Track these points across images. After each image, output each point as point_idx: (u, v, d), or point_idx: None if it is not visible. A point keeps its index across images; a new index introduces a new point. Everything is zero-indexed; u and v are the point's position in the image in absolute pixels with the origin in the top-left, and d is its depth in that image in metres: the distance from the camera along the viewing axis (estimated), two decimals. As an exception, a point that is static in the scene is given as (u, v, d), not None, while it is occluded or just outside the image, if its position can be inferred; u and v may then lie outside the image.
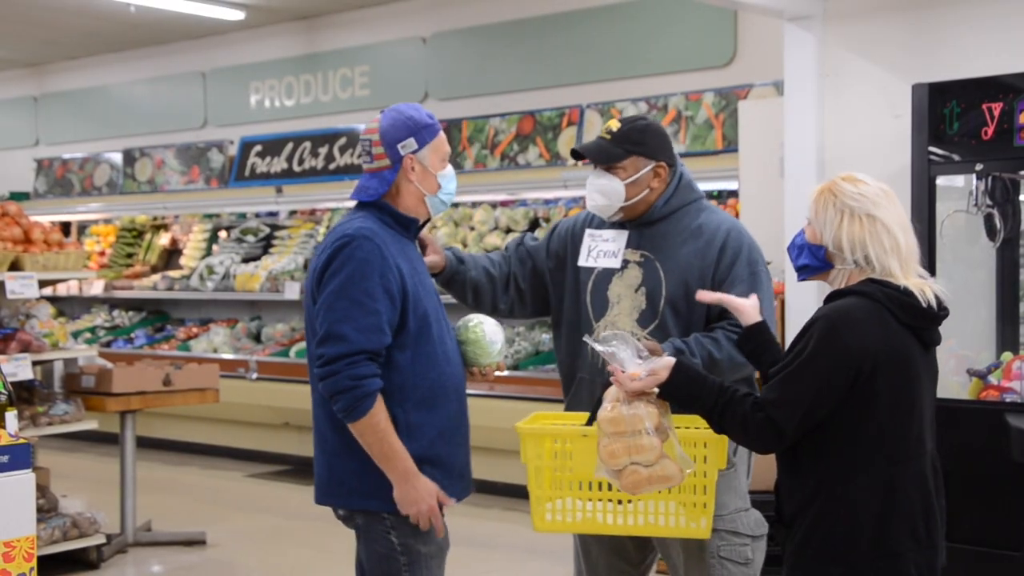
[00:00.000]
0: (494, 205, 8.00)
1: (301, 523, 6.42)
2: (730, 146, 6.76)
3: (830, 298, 2.43)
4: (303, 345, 8.14)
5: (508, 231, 7.84)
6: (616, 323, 3.04)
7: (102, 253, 10.29)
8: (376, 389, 2.70)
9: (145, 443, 7.93)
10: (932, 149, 4.35)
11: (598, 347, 2.56)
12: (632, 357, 2.51)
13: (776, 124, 5.41)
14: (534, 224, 7.77)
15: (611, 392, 2.54)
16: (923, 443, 2.40)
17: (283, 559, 5.86)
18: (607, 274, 3.09)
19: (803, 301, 4.92)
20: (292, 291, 8.24)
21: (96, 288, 9.70)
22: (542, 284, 3.25)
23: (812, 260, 2.45)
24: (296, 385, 7.70)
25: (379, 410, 2.70)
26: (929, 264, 4.31)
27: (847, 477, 2.34)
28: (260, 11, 9.23)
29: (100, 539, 5.57)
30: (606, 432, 2.50)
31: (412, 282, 2.79)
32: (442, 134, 2.88)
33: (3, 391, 3.07)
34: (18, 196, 10.94)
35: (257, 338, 8.90)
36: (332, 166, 8.95)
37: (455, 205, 8.11)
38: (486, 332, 2.95)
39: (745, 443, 2.46)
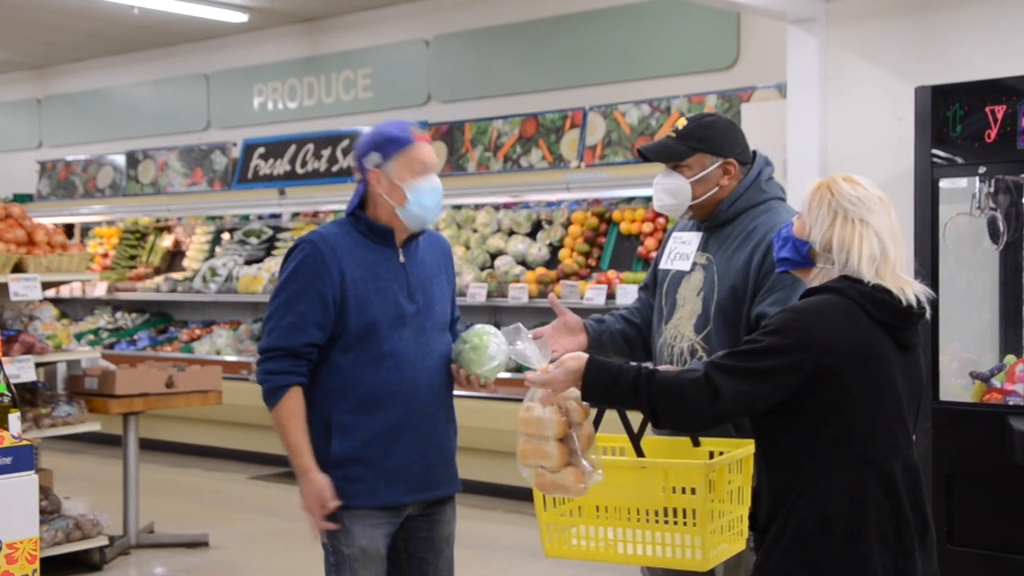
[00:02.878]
0: (497, 207, 8.00)
1: (303, 525, 6.36)
2: (733, 148, 6.75)
3: (804, 295, 2.38)
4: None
5: (511, 233, 7.84)
6: (679, 327, 3.00)
7: (105, 255, 10.30)
8: (285, 384, 2.86)
9: (148, 445, 7.93)
10: (935, 152, 4.34)
11: (504, 348, 2.53)
12: (538, 353, 2.48)
13: (779, 126, 5.41)
14: (536, 226, 7.77)
15: (532, 393, 2.50)
16: (896, 445, 2.33)
17: (285, 561, 5.86)
18: (678, 277, 3.05)
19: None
20: (295, 293, 8.24)
21: (99, 290, 9.71)
22: None
23: (794, 255, 2.41)
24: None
25: (287, 405, 2.86)
26: (932, 267, 4.31)
27: (816, 477, 2.29)
28: (263, 13, 9.24)
29: (103, 541, 5.57)
30: (520, 432, 2.49)
31: (363, 288, 2.89)
32: (418, 147, 2.92)
33: (6, 393, 3.07)
34: (22, 198, 10.96)
35: (260, 340, 8.89)
36: (335, 168, 8.96)
37: (457, 207, 8.12)
38: (489, 344, 2.98)
39: (676, 408, 2.30)
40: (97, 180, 10.85)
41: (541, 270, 7.33)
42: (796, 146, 5.21)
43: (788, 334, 2.26)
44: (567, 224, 7.58)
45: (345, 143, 8.94)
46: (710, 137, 2.99)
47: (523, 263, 7.60)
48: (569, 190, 7.26)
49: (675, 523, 2.50)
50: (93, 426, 5.61)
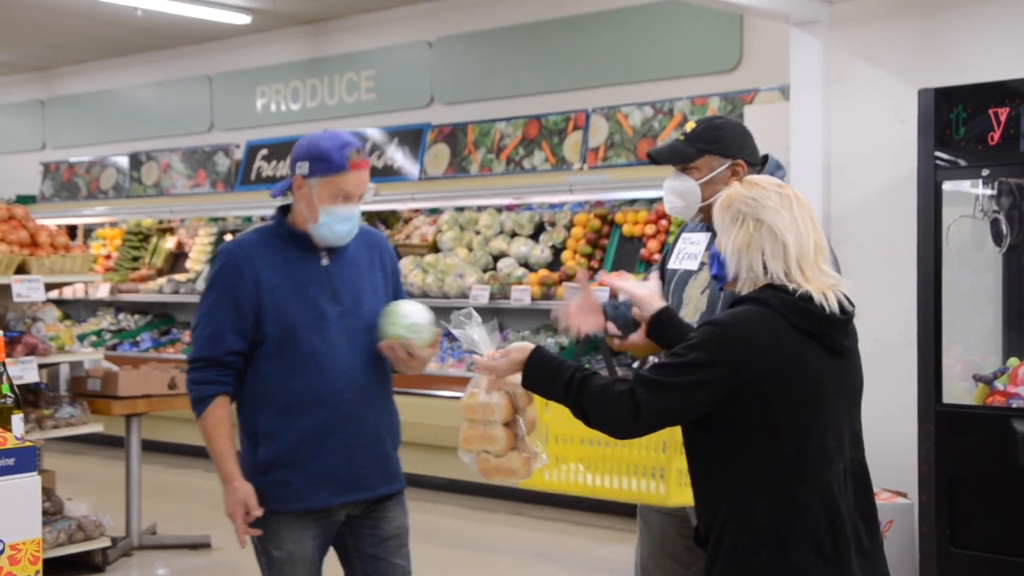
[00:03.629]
0: (499, 209, 8.00)
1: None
2: (736, 151, 6.75)
3: (730, 306, 2.36)
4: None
5: (513, 235, 7.84)
6: None
7: (108, 256, 10.30)
8: (210, 394, 2.94)
9: (150, 446, 7.93)
10: (938, 154, 4.34)
11: (453, 330, 2.56)
12: (485, 336, 2.52)
13: (782, 129, 5.40)
14: (539, 228, 7.77)
15: (476, 379, 2.54)
16: (826, 455, 2.29)
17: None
18: (686, 276, 3.08)
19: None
20: (298, 295, 8.24)
21: (102, 291, 9.72)
22: None
23: (719, 270, 2.40)
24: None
25: (212, 414, 2.95)
26: (935, 269, 4.31)
27: (746, 491, 2.27)
28: (266, 15, 9.25)
29: (105, 542, 5.57)
30: (464, 417, 2.53)
31: (281, 293, 2.94)
32: (346, 176, 2.93)
33: (10, 394, 3.07)
34: (25, 199, 10.96)
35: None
36: (338, 170, 8.95)
37: (460, 209, 8.12)
38: (400, 305, 3.03)
39: (602, 417, 2.32)
40: (100, 182, 10.86)
41: (544, 272, 7.33)
42: (799, 149, 5.21)
43: (709, 348, 2.25)
44: (570, 226, 7.58)
45: (348, 145, 8.93)
46: (718, 139, 3.02)
47: (526, 265, 7.60)
48: (572, 192, 7.26)
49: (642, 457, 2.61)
50: (96, 427, 5.61)
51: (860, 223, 5.07)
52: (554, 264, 7.51)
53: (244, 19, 9.22)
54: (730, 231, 2.35)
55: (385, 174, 8.55)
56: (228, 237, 9.60)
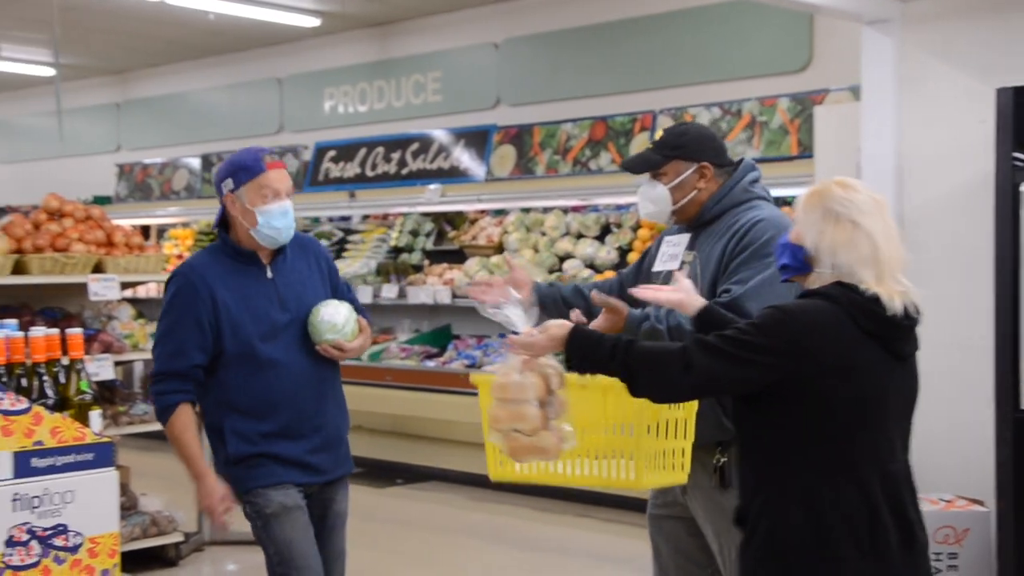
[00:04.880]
0: (565, 211, 7.99)
1: (373, 525, 6.47)
2: (805, 152, 6.67)
3: (799, 297, 2.39)
4: (376, 348, 8.22)
5: (579, 237, 7.82)
6: None
7: (180, 256, 10.47)
8: (174, 403, 3.18)
9: (220, 443, 8.05)
10: (1017, 155, 4.24)
11: (490, 311, 2.59)
12: (523, 316, 2.55)
13: (853, 129, 5.32)
14: (605, 230, 7.75)
15: (509, 361, 2.54)
16: (876, 453, 2.32)
17: (355, 561, 5.87)
18: (668, 276, 3.16)
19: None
20: (364, 295, 8.32)
21: (174, 291, 9.87)
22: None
23: (792, 260, 2.41)
24: (368, 388, 7.76)
25: (178, 420, 3.18)
26: (1013, 271, 4.21)
27: (796, 479, 2.31)
28: (335, 18, 9.35)
29: (178, 537, 5.68)
30: (495, 397, 2.53)
31: (235, 311, 3.21)
32: (267, 175, 3.23)
33: (89, 391, 3.15)
34: (101, 200, 11.21)
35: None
36: (404, 171, 9.03)
37: (526, 211, 8.13)
38: (319, 315, 3.30)
39: (650, 374, 2.32)
40: (173, 182, 11.06)
41: (610, 273, 7.31)
42: (871, 149, 5.12)
43: (772, 336, 2.27)
44: (636, 227, 7.54)
45: (415, 146, 9.00)
46: (683, 144, 3.16)
47: (592, 266, 7.59)
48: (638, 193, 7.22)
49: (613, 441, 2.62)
50: (169, 424, 5.70)
51: (934, 225, 4.98)
52: (620, 266, 7.48)
53: (313, 22, 9.33)
54: (821, 228, 2.36)
55: (451, 175, 8.59)
56: (297, 237, 9.71)
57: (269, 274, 3.31)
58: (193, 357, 3.19)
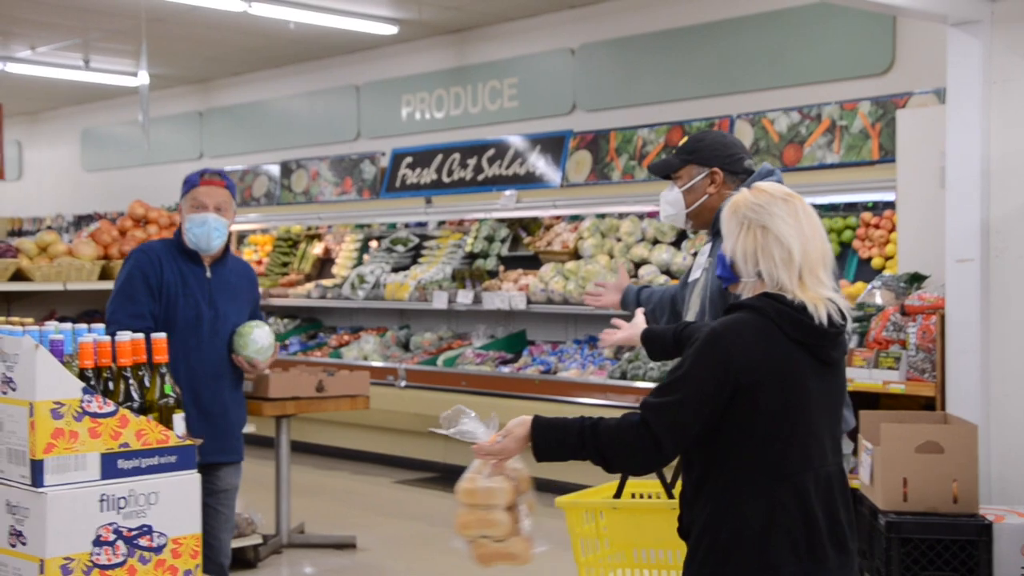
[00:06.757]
0: (641, 216, 7.95)
1: (447, 530, 6.48)
2: (887, 156, 6.54)
3: (727, 311, 2.41)
4: (451, 353, 8.25)
5: (655, 242, 7.78)
6: None
7: (259, 262, 10.66)
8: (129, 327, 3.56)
9: (298, 447, 8.17)
10: (1110, 158, 4.11)
11: (448, 431, 2.51)
12: (481, 426, 2.49)
13: (937, 133, 5.21)
14: (681, 236, 7.69)
15: (475, 464, 2.51)
16: (808, 459, 2.35)
17: (430, 566, 5.94)
18: (694, 284, 3.32)
19: (964, 314, 4.72)
20: (440, 300, 8.36)
21: (254, 295, 10.04)
22: None
23: (723, 271, 2.47)
24: (443, 393, 7.80)
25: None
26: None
27: (732, 490, 2.33)
28: (412, 25, 9.43)
29: (257, 539, 5.76)
30: (462, 503, 2.48)
31: (174, 291, 3.88)
32: (199, 190, 3.97)
33: (172, 394, 3.20)
34: (183, 207, 11.43)
35: (406, 346, 9.06)
36: (480, 177, 9.06)
37: (601, 216, 8.11)
38: (254, 331, 3.99)
39: (625, 460, 2.38)
40: (253, 189, 11.25)
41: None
42: (956, 153, 5.00)
43: (705, 357, 2.31)
44: (713, 233, 7.47)
45: (491, 152, 9.02)
46: (698, 149, 3.27)
47: (667, 272, 7.53)
48: (715, 199, 7.15)
49: None
50: (248, 428, 5.78)
51: (1022, 231, 4.84)
52: (696, 272, 7.41)
53: (391, 30, 9.42)
54: (736, 235, 2.41)
55: (527, 181, 8.60)
56: (373, 244, 9.82)
57: (208, 274, 3.99)
58: (141, 302, 3.81)
